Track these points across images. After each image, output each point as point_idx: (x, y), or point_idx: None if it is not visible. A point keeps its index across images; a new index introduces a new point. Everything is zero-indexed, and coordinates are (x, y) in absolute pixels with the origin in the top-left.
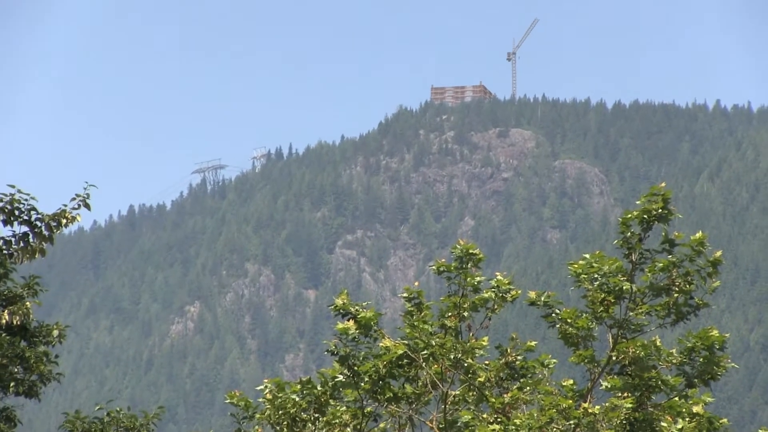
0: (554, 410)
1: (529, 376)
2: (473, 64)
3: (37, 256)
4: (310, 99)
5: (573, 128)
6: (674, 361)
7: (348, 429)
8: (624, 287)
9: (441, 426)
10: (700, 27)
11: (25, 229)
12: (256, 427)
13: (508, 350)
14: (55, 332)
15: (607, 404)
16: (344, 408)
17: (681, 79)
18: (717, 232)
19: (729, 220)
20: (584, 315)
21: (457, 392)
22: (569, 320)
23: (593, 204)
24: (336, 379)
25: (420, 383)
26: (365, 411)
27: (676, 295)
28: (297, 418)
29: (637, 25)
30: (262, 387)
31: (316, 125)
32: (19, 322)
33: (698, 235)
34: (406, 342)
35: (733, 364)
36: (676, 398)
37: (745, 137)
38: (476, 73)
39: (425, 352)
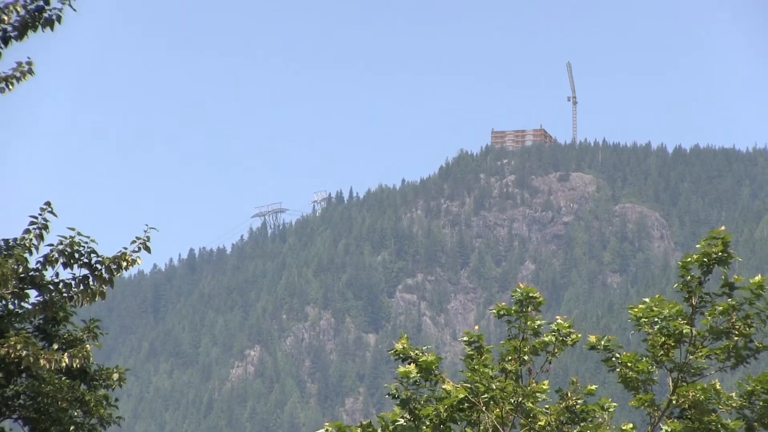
0: None
1: (590, 420)
2: (534, 108)
3: (96, 299)
4: (370, 142)
5: (633, 172)
6: (734, 404)
7: None
8: (684, 331)
9: None
10: (761, 69)
11: (85, 271)
12: None
13: (569, 394)
14: (115, 375)
15: None
16: None
17: (741, 123)
18: None
19: None
20: (644, 359)
21: None
22: (629, 364)
23: (653, 248)
24: (396, 423)
25: (481, 427)
26: None
27: (735, 338)
28: None
29: (699, 70)
30: (322, 431)
31: (377, 169)
32: (79, 366)
33: (758, 278)
34: (467, 386)
35: None
36: None
37: None
38: (537, 117)
39: (486, 395)
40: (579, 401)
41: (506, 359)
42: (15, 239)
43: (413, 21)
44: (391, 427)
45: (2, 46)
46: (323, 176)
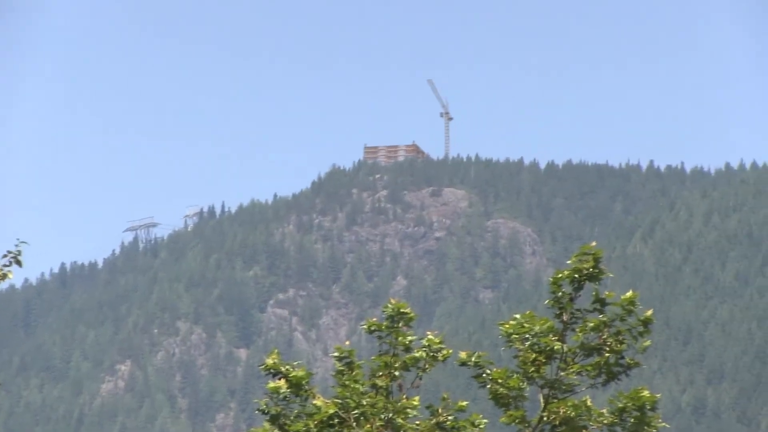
0: None
1: None
2: (407, 124)
3: None
4: (242, 157)
5: (506, 188)
6: (605, 421)
7: None
8: (555, 347)
9: None
10: (634, 86)
11: None
12: None
13: (439, 410)
14: None
15: None
16: None
17: (615, 138)
18: (649, 293)
19: (662, 281)
20: (515, 375)
21: None
22: (500, 380)
23: (526, 264)
24: None
25: None
26: None
27: (607, 354)
28: None
29: (571, 85)
30: None
31: (249, 184)
32: None
33: (629, 294)
34: (337, 401)
35: (664, 424)
36: None
37: (678, 198)
38: (410, 133)
39: (356, 411)
40: (450, 417)
41: (377, 375)
42: None
43: (285, 35)
44: None
45: None
46: (195, 191)
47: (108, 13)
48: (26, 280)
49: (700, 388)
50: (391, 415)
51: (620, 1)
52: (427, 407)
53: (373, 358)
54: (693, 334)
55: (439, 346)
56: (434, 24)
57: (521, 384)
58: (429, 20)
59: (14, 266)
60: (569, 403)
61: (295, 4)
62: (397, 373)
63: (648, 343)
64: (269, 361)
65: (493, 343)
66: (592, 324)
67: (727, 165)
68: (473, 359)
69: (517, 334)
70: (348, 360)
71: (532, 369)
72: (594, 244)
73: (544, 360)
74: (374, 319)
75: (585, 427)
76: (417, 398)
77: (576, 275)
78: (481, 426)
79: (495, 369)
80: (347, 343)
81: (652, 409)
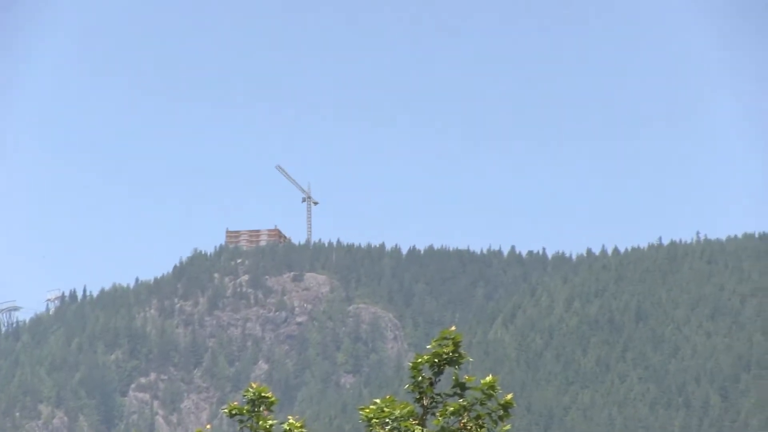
0: None
1: None
2: (269, 208)
3: None
4: (104, 241)
5: (367, 273)
6: None
7: None
8: (416, 431)
9: None
10: (494, 170)
11: None
12: None
13: None
14: None
15: None
16: None
17: (476, 224)
18: (511, 378)
19: (523, 366)
20: None
21: None
22: None
23: (387, 349)
24: None
25: None
26: None
27: None
28: None
29: (431, 169)
30: None
31: (111, 268)
32: None
33: (489, 378)
34: None
35: None
36: None
37: (539, 283)
38: (272, 217)
39: None
40: None
41: None
42: None
43: (145, 116)
44: None
45: None
46: (58, 274)
47: None
48: None
49: None
50: None
51: (461, 80)
52: None
53: None
54: (554, 420)
55: (300, 430)
56: (285, 110)
57: None
58: (281, 107)
59: None
60: None
61: (158, 88)
62: None
63: (508, 427)
64: None
65: (354, 427)
66: (452, 408)
67: (589, 251)
68: None
69: (377, 419)
70: None
71: None
72: (453, 328)
73: None
74: (235, 403)
75: None
76: None
77: (436, 359)
78: None
79: None
80: (208, 426)
81: None
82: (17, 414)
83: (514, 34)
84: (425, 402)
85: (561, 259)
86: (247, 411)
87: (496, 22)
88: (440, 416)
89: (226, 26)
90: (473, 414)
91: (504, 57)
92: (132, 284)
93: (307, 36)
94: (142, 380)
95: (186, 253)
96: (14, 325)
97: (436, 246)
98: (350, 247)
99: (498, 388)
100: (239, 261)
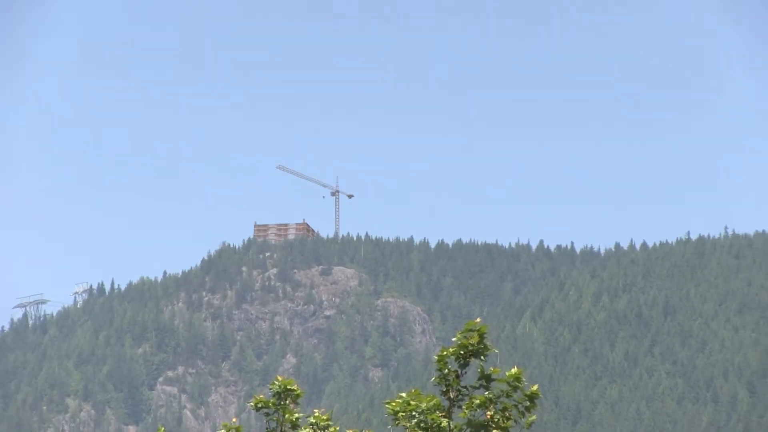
0: None
1: None
2: (297, 202)
3: None
4: (133, 234)
5: (396, 267)
6: None
7: None
8: (442, 424)
9: None
10: (522, 167)
11: None
12: None
13: None
14: None
15: None
16: None
17: (505, 218)
18: (539, 372)
19: (551, 361)
20: None
21: None
22: None
23: (415, 343)
24: None
25: None
26: None
27: (494, 430)
28: None
29: (460, 163)
30: None
31: (139, 261)
32: None
33: (514, 370)
34: None
35: None
36: None
37: (567, 278)
38: (300, 211)
39: None
40: None
41: None
42: None
43: (176, 112)
44: None
45: None
46: (85, 268)
47: None
48: None
49: None
50: None
51: (490, 84)
52: None
53: None
54: (582, 414)
55: (327, 423)
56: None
57: None
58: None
59: None
60: None
61: (176, 83)
62: None
63: (534, 417)
64: None
65: (382, 421)
66: (478, 401)
67: (617, 245)
68: None
69: (403, 412)
70: None
71: None
72: (479, 320)
73: None
74: (261, 396)
75: None
76: None
77: (461, 351)
78: None
79: None
80: (234, 420)
81: None
82: (44, 407)
83: (540, 28)
84: (452, 395)
85: (589, 253)
86: (273, 404)
87: (521, 14)
88: (466, 409)
89: (257, 17)
90: (499, 406)
91: (529, 50)
92: (160, 277)
93: (336, 28)
94: (170, 374)
95: (214, 247)
96: (42, 319)
97: (465, 240)
98: (378, 241)
99: (524, 380)
100: (267, 254)
